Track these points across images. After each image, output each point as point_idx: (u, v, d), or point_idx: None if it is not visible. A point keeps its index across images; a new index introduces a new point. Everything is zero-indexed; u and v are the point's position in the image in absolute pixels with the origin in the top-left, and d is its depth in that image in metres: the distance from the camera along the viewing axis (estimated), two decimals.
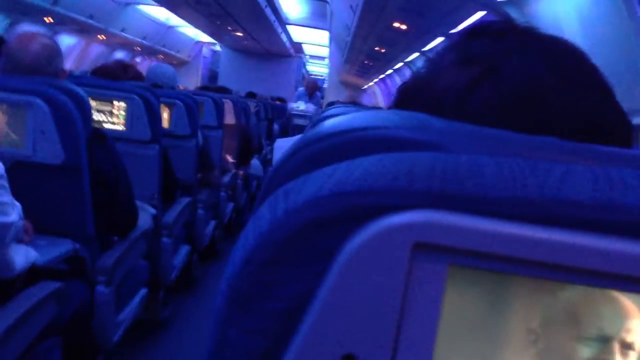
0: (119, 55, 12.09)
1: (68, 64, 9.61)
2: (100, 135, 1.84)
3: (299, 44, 16.52)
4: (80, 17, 8.85)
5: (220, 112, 3.67)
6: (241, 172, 4.58)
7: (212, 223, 3.63)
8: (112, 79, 2.42)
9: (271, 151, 6.47)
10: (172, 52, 14.87)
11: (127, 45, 12.38)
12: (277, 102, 9.26)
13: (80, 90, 1.75)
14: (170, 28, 13.56)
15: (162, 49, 14.01)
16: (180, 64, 15.73)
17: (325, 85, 17.21)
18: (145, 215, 2.26)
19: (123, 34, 11.01)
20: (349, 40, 9.83)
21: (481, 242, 0.30)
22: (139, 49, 13.15)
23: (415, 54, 8.89)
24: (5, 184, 1.33)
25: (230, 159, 4.28)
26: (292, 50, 16.82)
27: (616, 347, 0.31)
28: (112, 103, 2.29)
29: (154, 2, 10.36)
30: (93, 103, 2.17)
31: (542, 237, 0.30)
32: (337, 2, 8.99)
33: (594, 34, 3.07)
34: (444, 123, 0.38)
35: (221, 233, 3.96)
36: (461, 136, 0.36)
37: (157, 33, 12.99)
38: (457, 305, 0.31)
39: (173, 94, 2.94)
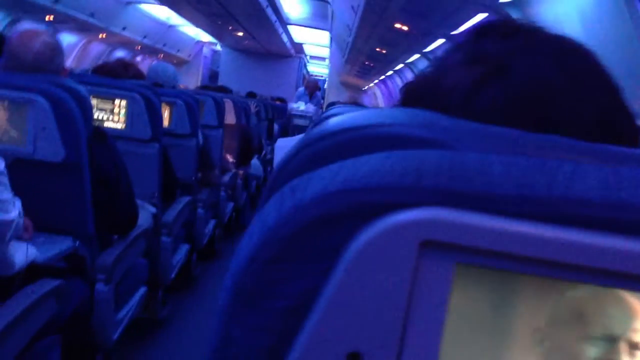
0: (120, 54, 12.09)
1: (68, 63, 9.59)
2: (100, 133, 1.84)
3: (300, 44, 16.52)
4: (81, 15, 8.84)
5: (220, 111, 3.67)
6: (241, 172, 4.58)
7: (212, 222, 3.62)
8: (113, 77, 2.42)
9: (271, 151, 6.48)
10: (173, 52, 14.87)
11: (127, 44, 12.38)
12: (278, 102, 9.26)
13: (81, 88, 1.75)
14: (170, 27, 13.56)
15: (163, 48, 14.01)
16: (181, 63, 15.73)
17: (325, 86, 17.21)
18: (145, 213, 2.26)
19: (124, 32, 11.00)
20: (349, 40, 9.84)
21: (489, 240, 0.30)
22: (140, 48, 13.14)
23: (416, 55, 8.89)
24: (6, 181, 1.33)
25: (230, 158, 4.28)
26: (292, 51, 16.82)
27: (623, 347, 0.31)
28: (113, 101, 2.29)
29: (155, 1, 10.36)
30: (94, 101, 2.17)
31: (550, 235, 0.30)
32: (338, 3, 8.99)
33: (596, 36, 3.07)
34: (450, 121, 0.37)
35: (221, 232, 3.96)
36: (468, 134, 0.36)
37: (158, 32, 12.99)
38: (463, 303, 0.31)
39: (174, 92, 2.94)
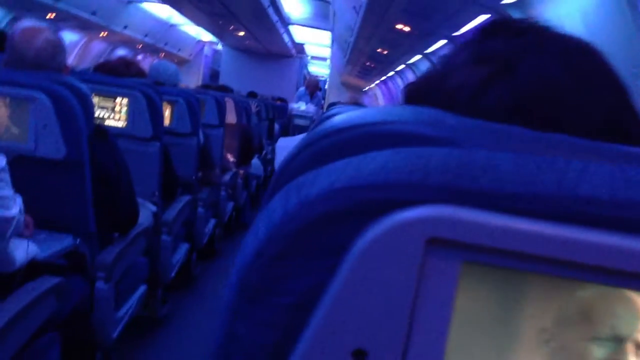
0: (121, 52, 12.08)
1: (69, 61, 9.59)
2: (102, 131, 1.83)
3: (301, 44, 16.52)
4: (83, 13, 8.84)
5: (221, 110, 3.67)
6: (241, 172, 4.58)
7: (212, 222, 3.62)
8: (114, 75, 2.42)
9: (272, 151, 6.48)
10: (174, 51, 14.86)
11: (128, 42, 12.37)
12: (278, 102, 9.26)
13: (83, 86, 1.75)
14: (172, 26, 13.55)
15: (164, 47, 14.00)
16: (182, 62, 15.72)
17: (326, 87, 17.21)
18: (146, 212, 2.26)
19: (125, 31, 11.00)
20: (351, 41, 9.83)
21: (495, 238, 0.30)
22: (141, 46, 13.14)
23: (418, 56, 8.89)
24: (7, 177, 1.33)
25: (230, 158, 4.28)
26: (293, 51, 16.81)
27: (630, 347, 0.31)
28: (114, 99, 2.29)
29: (157, 0, 10.36)
30: (95, 99, 2.17)
31: (558, 234, 0.29)
32: (340, 3, 8.99)
33: (598, 37, 3.07)
34: (457, 119, 0.37)
35: (221, 232, 3.96)
36: (475, 132, 0.36)
37: (159, 31, 12.98)
38: (470, 302, 0.31)
39: (175, 91, 2.94)
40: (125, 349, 2.27)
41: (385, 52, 9.78)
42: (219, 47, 17.68)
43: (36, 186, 1.66)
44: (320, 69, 20.84)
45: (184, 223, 2.94)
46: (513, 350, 0.32)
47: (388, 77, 13.86)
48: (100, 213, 1.80)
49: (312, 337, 0.31)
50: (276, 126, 7.72)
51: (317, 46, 16.71)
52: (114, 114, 2.31)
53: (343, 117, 0.41)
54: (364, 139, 0.38)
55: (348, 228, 0.31)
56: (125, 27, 10.88)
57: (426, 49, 7.83)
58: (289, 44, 15.50)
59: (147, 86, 2.36)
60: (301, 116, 8.83)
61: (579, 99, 0.42)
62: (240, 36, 14.18)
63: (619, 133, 0.41)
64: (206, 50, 17.67)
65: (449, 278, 0.30)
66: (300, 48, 17.07)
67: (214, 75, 17.73)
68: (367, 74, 14.57)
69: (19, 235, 1.41)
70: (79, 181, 1.71)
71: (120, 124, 2.31)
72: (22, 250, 1.38)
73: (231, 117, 4.15)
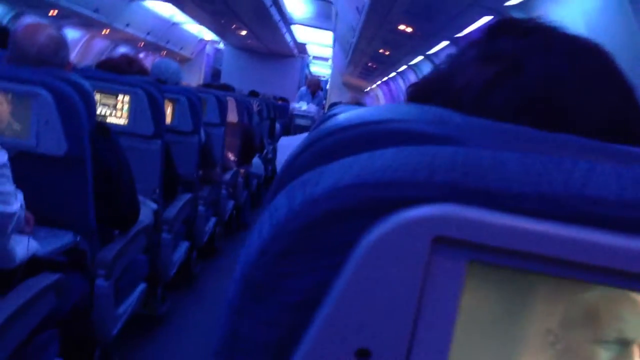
0: (122, 50, 12.08)
1: (70, 58, 9.58)
2: (103, 128, 1.83)
3: (303, 44, 16.53)
4: (85, 11, 8.84)
5: (223, 109, 3.67)
6: (242, 171, 4.58)
7: (212, 220, 3.62)
8: (117, 72, 2.42)
9: (273, 150, 6.48)
10: (176, 49, 14.87)
11: (130, 40, 12.37)
12: (280, 102, 9.26)
13: (85, 83, 1.75)
14: (174, 25, 13.56)
15: (166, 45, 14.00)
16: (184, 61, 15.73)
17: (327, 87, 17.21)
18: (146, 210, 2.26)
19: (127, 29, 11.00)
20: (353, 41, 9.83)
21: (502, 237, 0.30)
22: (143, 45, 13.14)
23: (420, 57, 8.89)
24: (8, 173, 1.32)
25: (231, 156, 4.27)
26: (295, 51, 16.82)
27: (636, 351, 0.31)
28: (116, 97, 2.29)
29: None
30: (97, 96, 2.17)
31: (565, 234, 0.29)
32: (342, 3, 8.99)
33: (601, 39, 3.06)
34: (463, 118, 0.37)
35: (221, 230, 3.96)
36: (481, 132, 0.36)
37: (161, 29, 12.99)
38: (475, 302, 0.31)
39: (177, 89, 2.94)
40: (125, 347, 2.27)
41: (387, 53, 9.78)
42: (221, 46, 17.69)
43: (37, 182, 1.66)
44: (321, 69, 20.84)
45: (185, 221, 2.94)
46: (518, 352, 0.31)
47: (390, 78, 13.86)
48: (101, 210, 1.80)
49: (315, 336, 0.31)
50: (277, 126, 7.72)
51: (319, 46, 16.73)
52: (115, 111, 2.30)
53: (347, 115, 0.41)
54: (368, 137, 0.38)
55: (353, 226, 0.31)
56: (128, 25, 10.88)
57: (428, 50, 7.83)
58: (291, 44, 15.51)
59: (149, 84, 2.36)
60: (302, 116, 8.83)
61: (586, 99, 0.42)
62: (242, 35, 14.19)
63: (625, 133, 0.41)
64: (208, 49, 17.68)
65: (454, 277, 0.30)
66: (302, 48, 17.08)
67: (215, 74, 17.74)
68: (369, 74, 14.57)
69: (20, 231, 1.40)
70: (80, 178, 1.71)
71: (122, 121, 2.31)
72: (23, 247, 1.38)
73: (232, 116, 4.15)
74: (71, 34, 9.85)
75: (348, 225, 0.31)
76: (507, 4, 4.41)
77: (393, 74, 12.74)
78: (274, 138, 7.09)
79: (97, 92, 2.16)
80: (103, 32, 10.87)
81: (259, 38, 14.34)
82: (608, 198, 0.30)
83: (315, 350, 0.31)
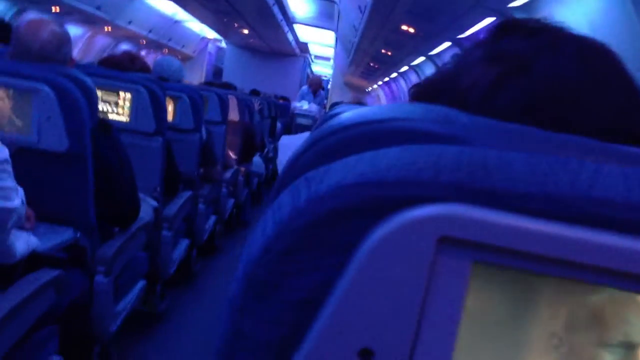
0: (124, 47, 12.08)
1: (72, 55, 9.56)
2: (105, 125, 1.83)
3: (305, 43, 16.52)
4: (87, 8, 8.84)
5: (224, 107, 3.67)
6: (243, 169, 4.57)
7: (213, 218, 3.62)
8: (119, 69, 2.41)
9: (273, 149, 6.48)
10: (178, 47, 14.86)
11: (132, 38, 12.37)
12: (281, 101, 9.26)
13: (87, 79, 1.75)
14: (176, 22, 13.55)
15: (168, 43, 14.00)
16: (185, 59, 15.72)
17: (329, 86, 17.21)
18: (147, 207, 2.26)
19: (129, 26, 11.00)
20: (355, 41, 9.83)
21: (507, 238, 0.29)
22: (144, 42, 13.14)
23: (422, 58, 8.89)
24: (9, 168, 1.32)
25: (232, 155, 4.27)
26: (297, 50, 16.82)
27: None
28: (117, 94, 2.29)
29: None
30: (99, 93, 2.16)
31: (571, 235, 0.29)
32: (345, 3, 8.99)
33: (605, 42, 3.06)
34: (469, 118, 0.37)
35: (221, 229, 3.96)
36: (487, 131, 0.35)
37: (163, 27, 12.98)
38: (479, 303, 0.30)
39: (179, 87, 2.94)
40: (124, 344, 2.27)
41: (389, 53, 9.77)
42: (223, 44, 17.68)
43: (38, 179, 1.66)
44: (323, 69, 20.84)
45: (185, 219, 2.94)
46: (521, 354, 0.31)
47: (391, 78, 13.86)
48: (102, 207, 1.80)
49: (318, 335, 0.31)
50: (278, 124, 7.72)
51: (321, 46, 16.72)
52: (117, 108, 2.30)
53: (350, 114, 0.41)
54: (372, 136, 0.37)
55: (358, 225, 0.31)
56: (130, 22, 10.88)
57: (430, 50, 7.83)
58: (293, 43, 15.50)
59: (151, 81, 2.36)
60: (304, 115, 8.81)
61: (593, 100, 0.41)
62: (245, 34, 14.18)
63: (632, 134, 0.41)
64: (210, 47, 17.67)
65: (459, 278, 0.30)
66: (304, 47, 17.08)
67: (217, 72, 17.74)
68: (371, 74, 14.57)
69: (20, 227, 1.40)
70: (81, 174, 1.70)
71: (124, 118, 2.30)
72: (23, 242, 1.38)
73: (234, 115, 4.14)
74: (73, 30, 9.84)
75: (352, 224, 0.31)
76: (510, 5, 4.40)
77: (394, 74, 12.74)
78: (274, 137, 7.09)
79: (98, 89, 2.15)
80: (105, 30, 10.87)
81: (261, 37, 14.33)
82: (615, 199, 0.29)
83: (317, 349, 0.31)
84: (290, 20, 13.10)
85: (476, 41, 0.46)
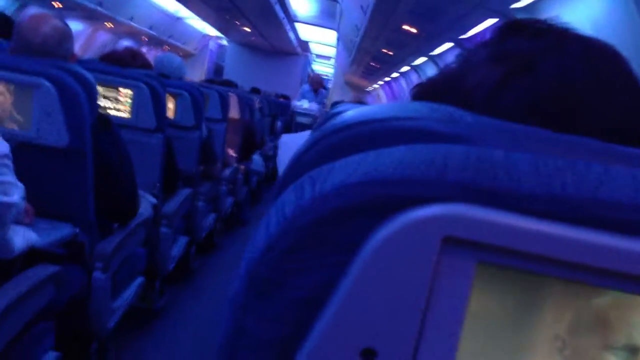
0: (125, 44, 12.06)
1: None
2: (105, 121, 1.82)
3: (306, 42, 16.50)
4: (89, 3, 8.83)
5: (225, 105, 3.66)
6: (242, 167, 4.57)
7: (212, 216, 3.62)
8: (120, 66, 2.41)
9: (273, 148, 6.47)
10: (179, 44, 14.84)
11: (133, 34, 12.35)
12: (282, 100, 9.25)
13: (88, 75, 1.74)
14: (178, 19, 13.53)
15: (169, 40, 13.98)
16: (186, 56, 15.70)
17: (330, 85, 17.20)
18: (146, 204, 2.25)
19: (131, 22, 10.98)
20: (357, 40, 9.82)
21: (513, 239, 0.29)
22: (146, 38, 13.12)
23: (423, 58, 8.88)
24: (9, 163, 1.32)
25: (232, 153, 4.27)
26: (298, 49, 16.80)
27: None
28: (118, 90, 2.28)
29: None
30: (100, 89, 2.16)
31: (577, 237, 0.29)
32: (347, 2, 8.98)
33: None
34: (474, 117, 0.36)
35: (220, 226, 3.95)
36: (492, 131, 0.35)
37: (165, 24, 12.96)
38: (483, 304, 0.30)
39: (180, 84, 2.93)
40: (122, 340, 2.26)
41: (391, 53, 9.77)
42: (224, 42, 17.67)
43: (37, 174, 1.65)
44: (324, 68, 20.82)
45: (184, 216, 2.94)
46: (525, 356, 0.31)
47: (392, 78, 13.85)
48: (101, 203, 1.79)
49: (320, 334, 0.30)
50: (278, 123, 7.71)
51: (322, 45, 16.70)
52: (118, 104, 2.30)
53: (354, 112, 0.40)
54: (376, 135, 0.37)
55: (362, 224, 0.30)
56: (131, 18, 10.86)
57: (431, 51, 7.83)
58: (294, 42, 15.49)
59: (152, 78, 2.35)
60: (304, 114, 8.81)
61: (599, 101, 0.41)
62: (246, 32, 14.17)
63: (637, 136, 0.41)
64: (211, 44, 17.65)
65: (463, 278, 0.30)
66: (305, 46, 17.06)
67: (218, 70, 17.72)
68: (372, 74, 14.56)
69: (19, 222, 1.40)
70: (81, 170, 1.70)
71: (124, 115, 2.30)
72: (22, 238, 1.37)
73: (234, 112, 4.14)
74: (74, 26, 9.83)
75: (357, 223, 0.31)
76: (512, 6, 4.40)
77: (395, 74, 12.74)
78: (274, 135, 7.08)
79: (99, 85, 2.15)
80: (106, 25, 10.86)
81: (263, 35, 14.32)
82: (622, 201, 0.29)
83: (319, 348, 0.30)
84: (291, 19, 13.08)
85: (481, 41, 0.46)
